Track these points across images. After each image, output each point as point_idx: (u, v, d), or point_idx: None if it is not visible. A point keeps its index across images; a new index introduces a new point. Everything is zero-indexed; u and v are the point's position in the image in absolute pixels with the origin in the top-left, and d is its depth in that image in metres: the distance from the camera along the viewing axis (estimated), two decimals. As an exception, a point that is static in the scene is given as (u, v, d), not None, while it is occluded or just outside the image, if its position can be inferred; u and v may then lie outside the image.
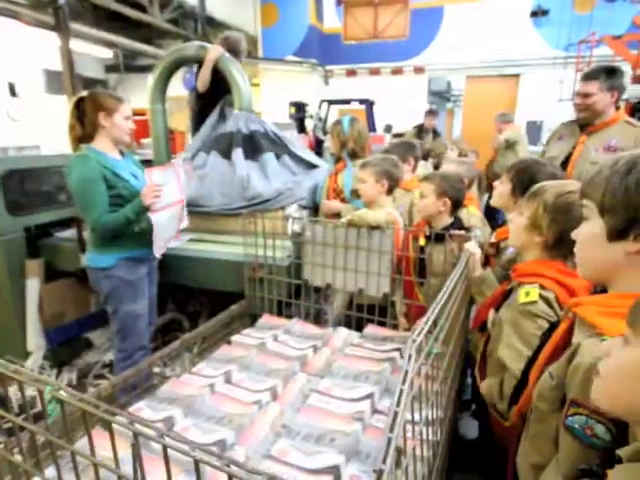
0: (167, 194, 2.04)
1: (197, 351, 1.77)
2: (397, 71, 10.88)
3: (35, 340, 2.58)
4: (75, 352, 2.72)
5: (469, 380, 2.00)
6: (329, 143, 2.74)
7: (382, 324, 1.85)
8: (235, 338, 1.82)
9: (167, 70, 3.16)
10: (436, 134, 5.86)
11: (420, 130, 5.79)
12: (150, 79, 3.22)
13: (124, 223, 1.95)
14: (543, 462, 0.75)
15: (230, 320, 1.97)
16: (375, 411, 1.27)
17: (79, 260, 2.46)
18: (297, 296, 2.11)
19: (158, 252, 2.09)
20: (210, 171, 2.81)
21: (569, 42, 10.19)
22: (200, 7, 8.17)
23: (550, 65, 10.36)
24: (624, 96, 5.58)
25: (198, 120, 3.46)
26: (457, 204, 1.85)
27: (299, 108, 7.96)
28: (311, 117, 8.10)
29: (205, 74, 3.11)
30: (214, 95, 3.21)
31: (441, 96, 11.42)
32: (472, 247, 1.41)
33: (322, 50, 10.75)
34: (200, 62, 3.19)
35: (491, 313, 1.23)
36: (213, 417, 1.32)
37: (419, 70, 10.77)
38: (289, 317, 2.02)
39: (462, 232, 1.61)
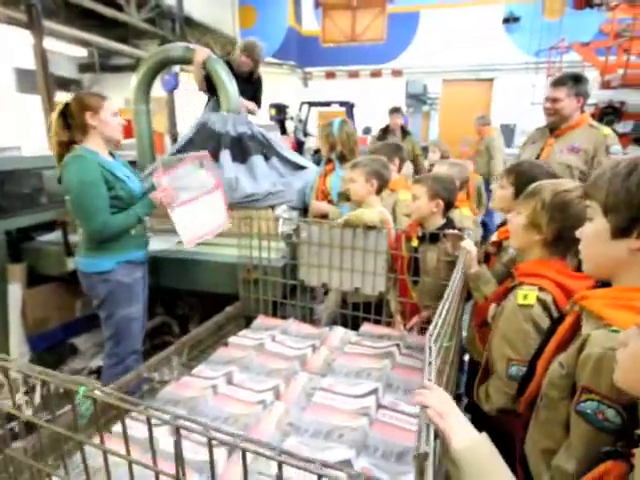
0: (189, 189, 2.04)
1: (194, 354, 1.76)
2: (376, 74, 11.03)
3: (18, 346, 2.50)
4: (60, 358, 2.64)
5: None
6: (318, 144, 2.74)
7: (377, 322, 1.88)
8: (232, 340, 1.81)
9: (152, 70, 3.12)
10: (406, 133, 5.29)
11: (385, 131, 5.34)
12: (134, 79, 3.17)
13: (134, 223, 1.97)
14: (554, 446, 0.80)
15: (225, 322, 1.97)
16: (380, 406, 1.30)
17: (65, 264, 2.40)
18: (289, 297, 2.11)
19: (189, 243, 2.05)
20: (198, 173, 2.79)
21: (539, 48, 10.56)
22: (178, 7, 8.07)
23: (522, 70, 10.71)
24: (593, 101, 5.83)
25: None
26: (449, 205, 1.90)
27: (280, 110, 7.96)
28: (292, 119, 8.11)
29: (198, 75, 3.10)
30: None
31: (418, 99, 11.62)
32: (468, 245, 1.46)
33: (301, 52, 10.80)
34: (186, 63, 3.17)
35: (492, 308, 1.28)
36: (218, 418, 1.32)
37: (397, 73, 10.95)
38: (283, 317, 2.03)
39: (457, 231, 1.66)
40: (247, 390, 1.45)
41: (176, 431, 0.56)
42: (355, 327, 1.89)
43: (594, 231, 0.82)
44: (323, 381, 1.41)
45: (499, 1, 10.26)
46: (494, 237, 1.65)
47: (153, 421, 0.60)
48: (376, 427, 1.21)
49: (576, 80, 2.44)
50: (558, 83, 2.46)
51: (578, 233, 0.87)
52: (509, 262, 1.50)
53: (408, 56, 10.94)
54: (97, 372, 2.60)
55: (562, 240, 1.12)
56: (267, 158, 3.06)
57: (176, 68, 6.28)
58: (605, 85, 5.67)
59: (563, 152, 2.44)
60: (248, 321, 2.08)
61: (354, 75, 11.15)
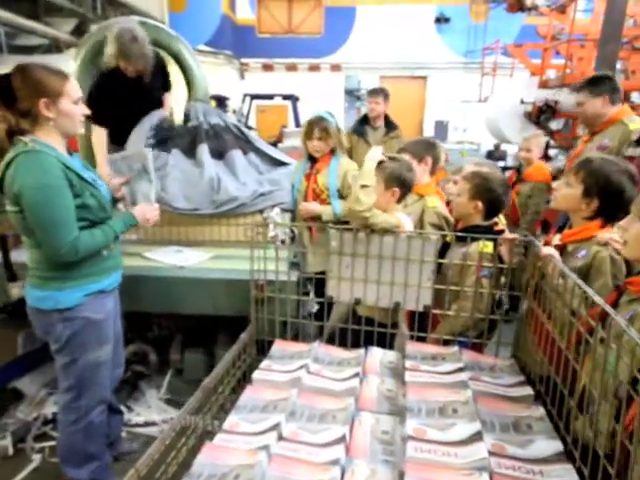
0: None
1: (217, 400, 1.40)
2: (314, 68, 10.83)
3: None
4: (1, 409, 2.08)
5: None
6: (317, 146, 2.33)
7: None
8: (257, 375, 1.48)
9: (99, 47, 2.60)
10: (391, 126, 3.76)
11: (363, 122, 3.77)
12: (75, 58, 2.62)
13: (111, 243, 1.52)
14: None
15: (238, 353, 1.63)
16: (490, 453, 1.07)
17: (6, 291, 1.88)
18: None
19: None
20: (172, 170, 2.37)
21: (467, 49, 11.11)
22: (98, -17, 7.15)
23: (452, 69, 11.18)
24: (531, 99, 6.12)
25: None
26: (491, 210, 1.73)
27: (220, 102, 7.43)
28: (234, 112, 7.63)
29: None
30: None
31: (352, 94, 11.70)
32: (553, 252, 1.29)
33: (236, 42, 10.25)
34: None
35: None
36: (286, 493, 1.01)
37: (336, 68, 10.85)
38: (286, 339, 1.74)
39: (515, 235, 1.50)
40: (308, 446, 1.15)
41: None
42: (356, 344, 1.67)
43: None
44: (407, 426, 1.15)
45: (431, 1, 10.57)
46: (556, 240, 1.49)
47: None
48: (499, 484, 0.99)
49: (594, 81, 2.46)
50: (577, 88, 2.48)
51: None
52: (583, 268, 1.36)
53: (346, 51, 10.90)
54: (53, 421, 2.09)
55: None
56: (245, 153, 2.71)
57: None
58: (543, 85, 5.99)
59: (593, 150, 2.44)
60: (259, 347, 1.76)
61: (292, 68, 10.85)
